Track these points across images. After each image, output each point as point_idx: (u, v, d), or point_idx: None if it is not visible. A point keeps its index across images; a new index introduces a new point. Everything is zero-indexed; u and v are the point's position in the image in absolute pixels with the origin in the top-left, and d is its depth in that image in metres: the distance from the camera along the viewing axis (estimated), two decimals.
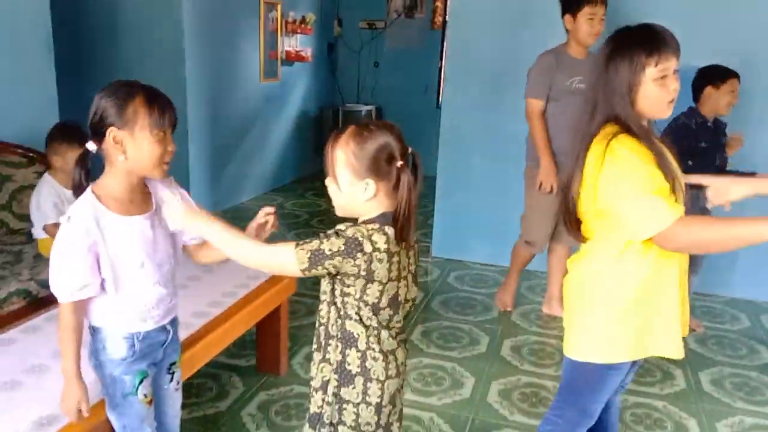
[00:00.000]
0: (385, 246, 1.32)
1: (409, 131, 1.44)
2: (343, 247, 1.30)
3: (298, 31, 6.34)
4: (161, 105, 1.46)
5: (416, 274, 1.48)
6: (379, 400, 1.41)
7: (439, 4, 6.94)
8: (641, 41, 1.55)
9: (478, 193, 4.24)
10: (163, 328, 1.64)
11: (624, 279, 1.63)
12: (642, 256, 1.58)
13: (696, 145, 3.00)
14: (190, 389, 2.59)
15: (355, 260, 1.30)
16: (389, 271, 1.34)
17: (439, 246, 4.46)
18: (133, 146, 1.45)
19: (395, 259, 1.35)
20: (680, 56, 1.56)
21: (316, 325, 1.47)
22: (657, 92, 1.55)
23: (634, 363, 1.80)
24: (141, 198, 1.55)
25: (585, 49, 3.14)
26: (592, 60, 3.09)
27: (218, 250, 1.49)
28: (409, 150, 1.39)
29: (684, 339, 1.77)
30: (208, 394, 2.63)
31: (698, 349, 3.23)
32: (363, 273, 1.32)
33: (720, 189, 1.68)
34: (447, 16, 6.59)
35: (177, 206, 1.50)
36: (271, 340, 2.74)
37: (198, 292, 2.44)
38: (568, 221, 1.70)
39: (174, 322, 1.69)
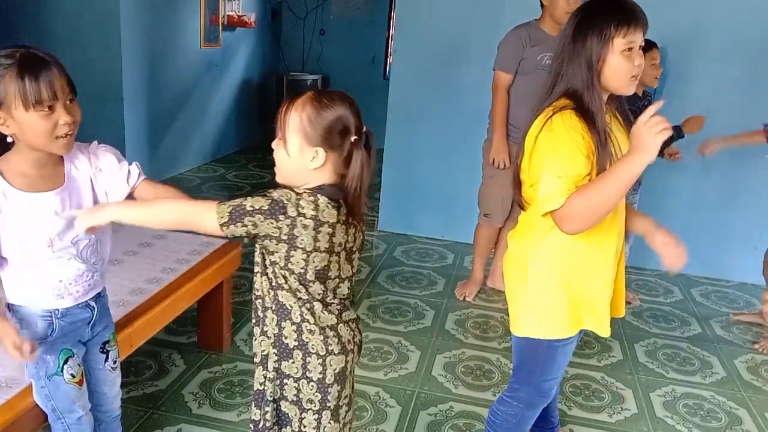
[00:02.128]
0: (313, 213, 1.29)
1: (357, 102, 1.39)
2: (266, 207, 1.27)
3: None
4: (35, 76, 1.30)
5: (354, 253, 1.43)
6: (321, 377, 1.38)
7: None
8: (611, 13, 1.55)
9: (426, 167, 4.23)
10: (86, 305, 1.56)
11: (556, 253, 1.65)
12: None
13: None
14: (128, 368, 2.50)
15: (277, 221, 1.27)
16: (315, 240, 1.30)
17: (386, 220, 4.44)
18: (15, 125, 1.34)
19: (326, 230, 1.31)
20: (647, 31, 1.57)
21: (253, 298, 1.43)
22: (623, 65, 1.55)
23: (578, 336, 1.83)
24: (53, 173, 1.45)
25: (559, 25, 3.12)
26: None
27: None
28: (365, 128, 1.35)
29: None
30: (148, 372, 2.55)
31: (634, 321, 3.35)
32: (284, 237, 1.28)
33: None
34: None
35: (68, 217, 1.43)
36: (213, 317, 2.67)
37: (136, 268, 2.34)
38: (516, 191, 1.72)
39: (99, 298, 1.61)
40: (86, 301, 1.56)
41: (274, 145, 1.38)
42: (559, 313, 1.68)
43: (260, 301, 1.40)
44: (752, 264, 3.37)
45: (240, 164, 6.13)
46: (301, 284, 1.34)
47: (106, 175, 1.53)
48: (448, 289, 3.57)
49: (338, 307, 1.41)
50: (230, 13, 6.04)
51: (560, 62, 1.61)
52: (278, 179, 1.40)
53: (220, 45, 5.98)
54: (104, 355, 1.66)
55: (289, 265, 1.32)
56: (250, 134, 6.81)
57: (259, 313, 1.41)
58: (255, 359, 1.44)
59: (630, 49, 1.54)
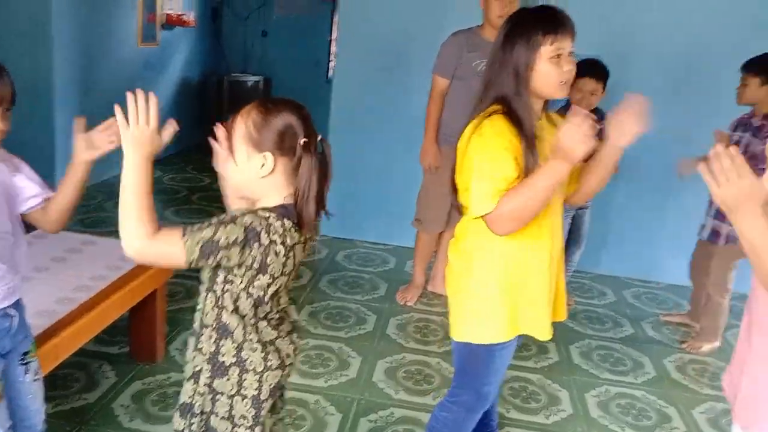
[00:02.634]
0: (283, 239, 1.25)
1: (305, 109, 1.36)
2: (241, 237, 1.20)
3: None
4: None
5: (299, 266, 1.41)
6: (256, 393, 1.33)
7: None
8: (538, 20, 1.59)
9: (369, 172, 4.22)
10: (5, 314, 1.49)
11: (494, 257, 1.67)
12: (509, 236, 1.62)
13: None
14: (55, 381, 2.38)
15: (251, 250, 1.22)
16: (284, 265, 1.27)
17: (328, 225, 4.38)
18: None
19: (290, 253, 1.28)
20: (575, 39, 1.60)
21: (196, 309, 1.38)
22: (551, 71, 1.58)
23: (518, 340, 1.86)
24: None
25: (497, 31, 3.15)
26: None
27: (62, 195, 1.44)
28: (318, 137, 1.31)
29: None
30: (76, 385, 2.44)
31: (569, 323, 3.43)
32: (256, 265, 1.24)
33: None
34: None
35: (144, 129, 1.30)
36: (146, 326, 2.58)
37: (63, 276, 2.25)
38: (454, 196, 1.74)
39: (18, 305, 1.54)
40: (4, 309, 1.48)
41: (222, 159, 1.32)
42: (498, 317, 1.70)
43: (200, 314, 1.35)
44: (680, 266, 3.51)
45: (178, 167, 5.96)
46: (253, 306, 1.30)
47: (20, 178, 1.51)
48: (390, 294, 3.57)
49: (277, 321, 1.38)
50: (169, 12, 5.89)
51: (491, 69, 1.65)
52: (229, 201, 1.36)
53: (158, 44, 5.82)
54: (24, 367, 1.59)
55: (251, 288, 1.28)
56: (188, 136, 6.58)
57: (196, 326, 1.36)
58: (185, 373, 1.38)
59: (558, 55, 1.58)
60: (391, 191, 4.19)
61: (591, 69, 3.11)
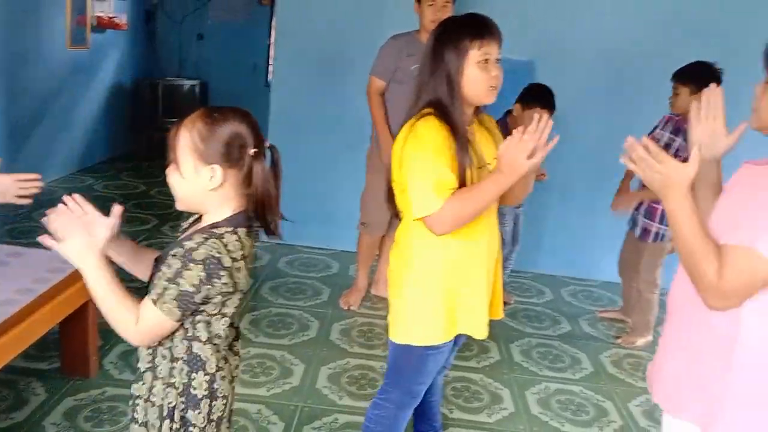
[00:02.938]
0: (241, 252, 1.24)
1: (251, 116, 1.33)
2: (204, 275, 1.17)
3: None
4: None
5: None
6: (221, 414, 1.34)
7: None
8: (465, 26, 1.64)
9: (310, 176, 4.19)
10: None
11: (432, 259, 1.70)
12: (446, 237, 1.65)
13: None
14: None
15: (220, 279, 1.20)
16: (247, 277, 1.26)
17: None
18: None
19: (248, 263, 1.27)
20: (501, 46, 1.65)
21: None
22: (479, 75, 1.62)
23: (455, 343, 1.88)
24: None
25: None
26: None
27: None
28: (267, 143, 1.29)
29: None
30: (2, 404, 2.31)
31: (510, 322, 3.50)
32: (229, 288, 1.22)
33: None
34: None
35: (77, 237, 1.22)
36: (78, 340, 2.48)
37: None
38: (391, 201, 1.75)
39: None
40: None
41: (168, 171, 1.28)
42: (437, 319, 1.72)
43: (165, 349, 1.28)
44: (613, 264, 3.63)
45: (110, 174, 5.76)
46: (224, 328, 1.28)
47: None
48: (333, 299, 3.55)
49: (234, 339, 1.39)
50: (100, 14, 5.70)
51: (422, 74, 1.69)
52: (179, 207, 1.32)
53: (89, 47, 5.62)
54: None
55: (224, 309, 1.25)
56: (121, 142, 6.43)
57: (157, 360, 1.29)
58: (151, 413, 1.30)
59: (486, 60, 1.62)
60: (333, 195, 4.17)
61: (541, 98, 3.17)
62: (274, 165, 1.29)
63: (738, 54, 2.99)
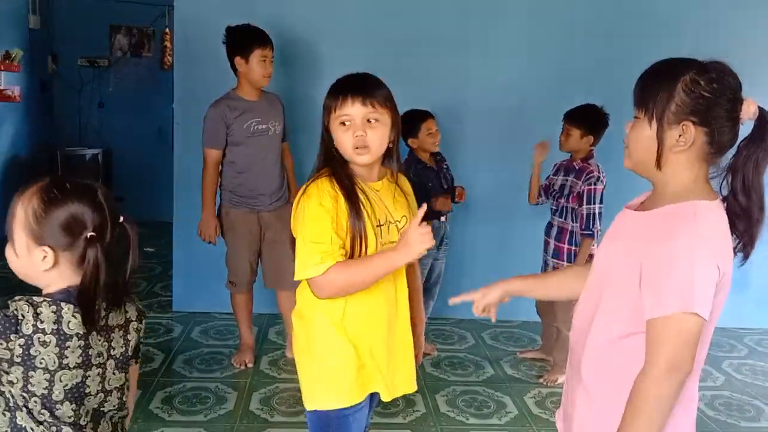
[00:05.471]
0: (54, 327, 1.13)
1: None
2: None
3: (1, 68, 5.53)
4: None
5: (128, 359, 1.29)
6: None
7: (168, 44, 6.66)
8: (332, 88, 1.66)
9: (218, 242, 4.06)
10: None
11: (333, 322, 1.66)
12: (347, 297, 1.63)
13: (428, 186, 3.33)
14: None
15: (7, 342, 1.09)
16: (61, 357, 1.14)
17: (181, 299, 4.17)
18: None
19: (76, 342, 1.15)
20: (364, 105, 1.61)
21: None
22: (340, 137, 1.64)
23: (371, 400, 1.83)
24: None
25: (258, 90, 3.23)
26: (267, 99, 3.18)
27: None
28: (121, 218, 1.21)
29: (422, 364, 1.87)
30: None
31: (434, 372, 3.47)
32: (17, 360, 1.10)
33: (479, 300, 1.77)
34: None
35: None
36: None
37: None
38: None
39: None
40: None
41: (6, 247, 1.20)
42: (346, 380, 1.68)
43: None
44: (531, 303, 3.69)
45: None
46: (44, 407, 1.15)
47: None
48: (254, 367, 3.41)
49: (93, 427, 1.23)
50: None
51: (322, 136, 1.70)
52: (21, 278, 1.22)
53: None
54: None
55: (29, 386, 1.13)
56: None
57: None
58: None
59: (343, 123, 1.62)
60: None
61: (420, 114, 3.42)
62: (127, 242, 1.22)
63: (624, 99, 3.18)
